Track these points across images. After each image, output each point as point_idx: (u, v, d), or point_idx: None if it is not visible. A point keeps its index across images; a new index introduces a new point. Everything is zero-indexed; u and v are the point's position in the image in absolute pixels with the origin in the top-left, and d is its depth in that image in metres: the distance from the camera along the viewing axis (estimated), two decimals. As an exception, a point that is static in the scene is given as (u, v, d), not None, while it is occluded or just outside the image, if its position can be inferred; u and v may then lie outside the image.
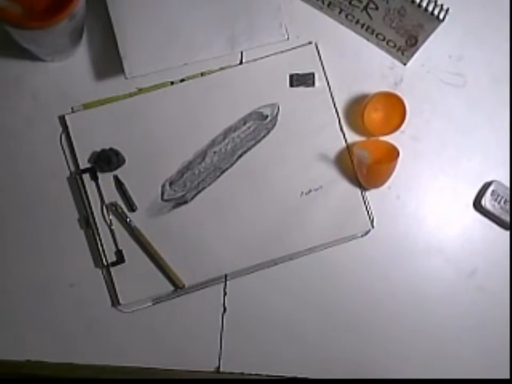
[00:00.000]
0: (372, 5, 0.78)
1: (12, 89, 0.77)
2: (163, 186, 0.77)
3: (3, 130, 0.77)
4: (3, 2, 0.61)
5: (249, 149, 0.79)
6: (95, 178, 0.76)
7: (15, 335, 0.75)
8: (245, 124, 0.79)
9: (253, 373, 0.77)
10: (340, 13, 0.81)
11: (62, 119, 0.77)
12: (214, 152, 0.78)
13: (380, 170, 0.78)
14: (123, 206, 0.76)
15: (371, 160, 0.77)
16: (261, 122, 0.79)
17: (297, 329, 0.78)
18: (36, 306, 0.75)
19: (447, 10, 0.75)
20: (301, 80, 0.80)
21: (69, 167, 0.77)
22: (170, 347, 0.76)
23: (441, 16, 0.75)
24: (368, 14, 0.79)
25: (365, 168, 0.77)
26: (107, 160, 0.76)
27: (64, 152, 0.77)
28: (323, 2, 0.80)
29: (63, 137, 0.77)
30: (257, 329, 0.78)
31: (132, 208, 0.76)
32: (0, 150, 0.76)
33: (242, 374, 0.76)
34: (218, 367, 0.77)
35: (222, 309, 0.77)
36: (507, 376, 0.80)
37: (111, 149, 0.76)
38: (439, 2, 0.75)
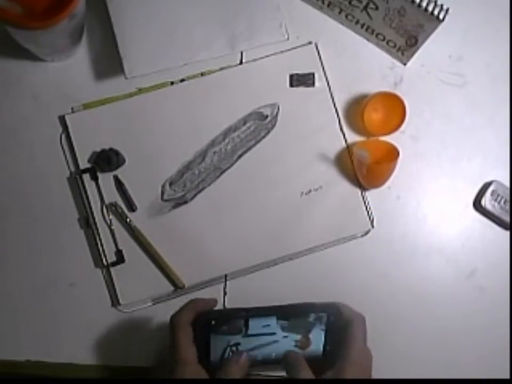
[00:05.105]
0: (371, 5, 0.78)
1: (12, 89, 0.77)
2: (163, 186, 0.77)
3: (3, 130, 0.77)
4: (3, 2, 0.61)
5: (249, 149, 0.79)
6: (95, 178, 0.76)
7: (15, 335, 0.75)
8: (245, 123, 0.79)
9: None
10: (339, 13, 0.81)
11: (62, 119, 0.77)
12: (214, 152, 0.78)
13: (380, 170, 0.78)
14: (123, 206, 0.76)
15: (371, 160, 0.77)
16: (261, 122, 0.79)
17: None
18: (35, 306, 0.75)
19: (447, 10, 0.75)
20: (301, 80, 0.80)
21: (69, 167, 0.77)
22: (170, 347, 0.76)
23: (441, 16, 0.75)
24: (368, 14, 0.79)
25: (365, 168, 0.77)
26: (107, 160, 0.76)
27: (64, 152, 0.77)
28: (323, 2, 0.80)
29: (63, 137, 0.77)
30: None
31: (132, 208, 0.76)
32: (0, 150, 0.76)
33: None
34: (218, 367, 0.77)
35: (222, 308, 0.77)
36: (507, 376, 0.80)
37: (111, 149, 0.76)
38: (439, 2, 0.75)
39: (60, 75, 0.78)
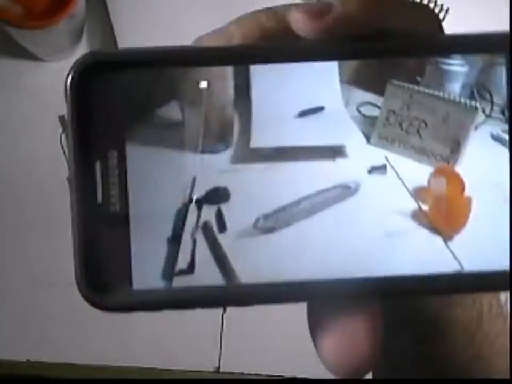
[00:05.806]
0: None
1: (12, 89, 0.77)
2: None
3: (2, 130, 0.77)
4: (3, 2, 0.61)
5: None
6: (95, 178, 0.76)
7: (15, 335, 0.75)
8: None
9: (253, 373, 0.77)
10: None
11: (62, 119, 0.77)
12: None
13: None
14: (123, 206, 0.76)
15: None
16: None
17: (297, 329, 0.78)
18: (35, 306, 0.75)
19: (447, 10, 0.75)
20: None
21: (69, 167, 0.77)
22: (170, 347, 0.76)
23: (441, 16, 0.75)
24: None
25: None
26: (107, 160, 0.75)
27: (64, 152, 0.77)
28: (323, 2, 0.80)
29: (63, 137, 0.77)
30: (257, 329, 0.78)
31: (132, 208, 0.76)
32: (0, 150, 0.76)
33: (242, 374, 0.76)
34: (218, 367, 0.77)
35: (222, 309, 0.77)
36: (507, 376, 0.80)
37: (111, 149, 0.76)
38: (439, 2, 0.75)
39: (60, 75, 0.77)
